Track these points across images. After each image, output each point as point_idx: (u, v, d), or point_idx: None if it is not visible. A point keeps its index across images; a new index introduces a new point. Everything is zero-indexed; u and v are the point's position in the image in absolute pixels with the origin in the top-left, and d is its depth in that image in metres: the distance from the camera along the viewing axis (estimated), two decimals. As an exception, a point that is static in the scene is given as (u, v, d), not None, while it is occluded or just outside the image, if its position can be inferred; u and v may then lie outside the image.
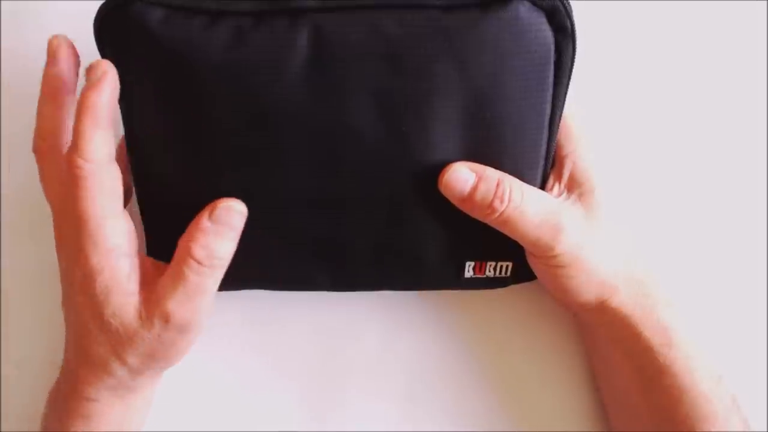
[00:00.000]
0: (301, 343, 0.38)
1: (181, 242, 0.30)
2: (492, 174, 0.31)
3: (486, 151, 0.31)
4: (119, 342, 0.30)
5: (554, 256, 0.31)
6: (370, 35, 0.28)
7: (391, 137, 0.30)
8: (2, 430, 0.35)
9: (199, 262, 0.29)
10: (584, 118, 0.34)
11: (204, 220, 0.29)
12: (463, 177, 0.30)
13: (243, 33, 0.28)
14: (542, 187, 0.33)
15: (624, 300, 0.32)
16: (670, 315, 0.32)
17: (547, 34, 0.29)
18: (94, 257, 0.29)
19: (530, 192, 0.31)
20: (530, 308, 0.38)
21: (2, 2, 0.40)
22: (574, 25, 0.29)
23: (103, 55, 0.30)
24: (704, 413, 0.30)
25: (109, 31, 0.29)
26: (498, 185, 0.30)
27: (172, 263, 0.30)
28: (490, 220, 0.31)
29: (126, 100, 0.30)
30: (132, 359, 0.30)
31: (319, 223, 0.32)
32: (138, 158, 0.32)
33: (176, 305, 0.29)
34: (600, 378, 0.36)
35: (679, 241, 0.39)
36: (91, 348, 0.30)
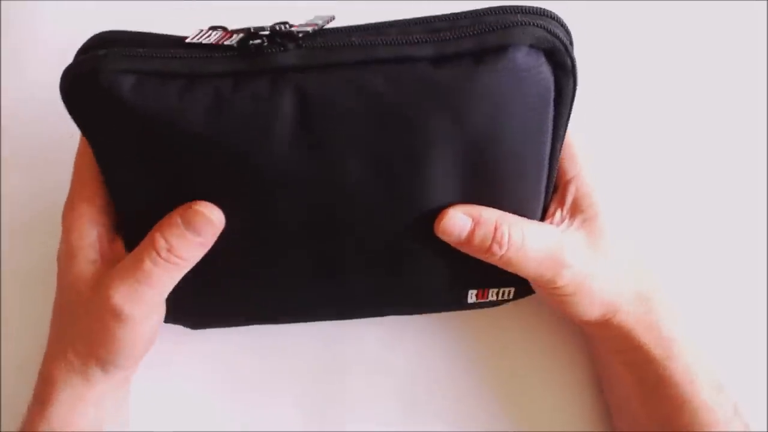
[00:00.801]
0: (301, 344, 0.38)
1: (151, 231, 0.30)
2: (489, 217, 0.30)
3: (485, 191, 0.30)
4: (71, 319, 0.31)
5: (557, 287, 0.31)
6: (357, 95, 0.27)
7: (388, 194, 0.29)
8: (2, 430, 0.35)
9: (158, 253, 0.29)
10: (587, 141, 0.33)
11: (176, 216, 0.29)
12: (459, 223, 0.30)
13: (222, 98, 0.27)
14: (543, 214, 0.33)
15: (627, 317, 0.32)
16: (674, 328, 0.32)
17: (546, 74, 0.28)
18: (69, 216, 0.31)
19: (530, 230, 0.30)
20: (532, 311, 0.38)
21: (2, 2, 0.40)
22: (574, 61, 0.28)
23: (74, 119, 0.29)
24: (705, 422, 0.30)
25: (78, 99, 0.28)
26: (496, 229, 0.30)
27: (136, 248, 0.30)
28: (491, 261, 0.31)
29: (102, 165, 0.30)
30: (78, 342, 0.31)
31: (319, 283, 0.33)
32: (118, 206, 0.32)
33: (120, 287, 0.29)
34: (603, 384, 0.37)
35: (679, 246, 0.39)
36: (53, 333, 0.32)
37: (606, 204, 0.32)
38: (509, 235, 0.29)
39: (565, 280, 0.30)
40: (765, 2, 0.43)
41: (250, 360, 0.38)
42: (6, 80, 0.40)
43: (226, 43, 0.28)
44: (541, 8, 0.29)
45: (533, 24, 0.27)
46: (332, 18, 0.29)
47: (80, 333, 0.31)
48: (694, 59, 0.42)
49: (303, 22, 0.29)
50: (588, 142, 0.33)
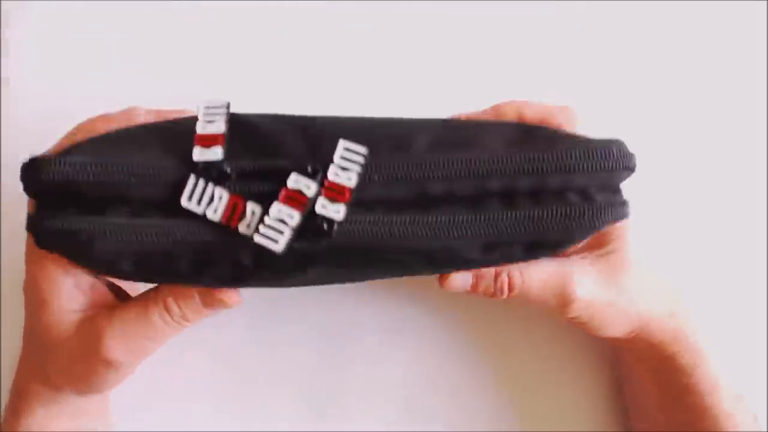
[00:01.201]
0: (301, 343, 0.39)
1: (162, 288, 0.29)
2: (488, 270, 0.30)
3: None
4: (45, 358, 0.30)
5: (569, 318, 0.31)
6: (392, 267, 0.26)
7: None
8: (2, 430, 0.36)
9: (171, 317, 0.29)
10: None
11: (197, 296, 0.28)
12: (461, 280, 0.30)
13: (242, 271, 0.25)
14: None
15: (654, 333, 0.32)
16: (700, 339, 0.32)
17: None
18: (34, 259, 0.29)
19: (530, 274, 0.30)
20: (534, 310, 0.39)
21: (2, 2, 0.40)
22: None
23: None
24: (725, 430, 0.31)
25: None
26: (496, 278, 0.30)
27: (142, 299, 0.29)
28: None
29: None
30: (54, 376, 0.30)
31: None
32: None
33: (121, 340, 0.29)
34: (623, 385, 0.37)
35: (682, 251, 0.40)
36: (25, 351, 0.31)
37: (631, 234, 0.31)
38: (510, 279, 0.30)
39: (575, 312, 0.30)
40: (765, 2, 0.40)
41: (249, 359, 0.38)
42: (6, 79, 0.39)
43: (239, 229, 0.24)
44: (609, 151, 0.26)
45: (598, 221, 0.26)
46: None
47: (57, 370, 0.30)
48: (694, 59, 0.41)
49: (335, 177, 0.25)
50: None
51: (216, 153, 0.25)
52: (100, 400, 0.34)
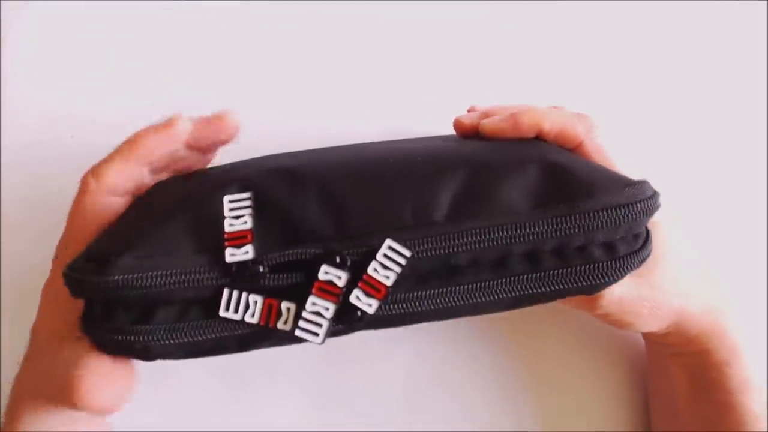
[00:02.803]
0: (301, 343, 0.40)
1: None
2: None
3: None
4: (46, 377, 0.29)
5: (599, 315, 0.31)
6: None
7: None
8: (2, 430, 0.36)
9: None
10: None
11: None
12: None
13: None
14: None
15: (690, 327, 0.31)
16: (738, 335, 0.32)
17: None
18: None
19: None
20: (536, 309, 0.40)
21: (2, 2, 0.40)
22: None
23: None
24: (749, 429, 0.31)
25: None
26: None
27: None
28: None
29: None
30: (52, 392, 0.29)
31: None
32: None
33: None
34: (649, 376, 0.37)
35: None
36: (24, 371, 0.31)
37: (668, 227, 0.31)
38: None
39: (603, 308, 0.30)
40: (765, 2, 0.40)
41: (250, 359, 0.38)
42: (6, 80, 0.40)
43: (279, 327, 0.25)
44: (633, 206, 0.26)
45: (621, 272, 0.26)
46: None
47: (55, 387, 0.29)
48: (694, 60, 0.41)
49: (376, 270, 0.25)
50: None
51: (247, 252, 0.25)
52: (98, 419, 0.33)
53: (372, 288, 0.25)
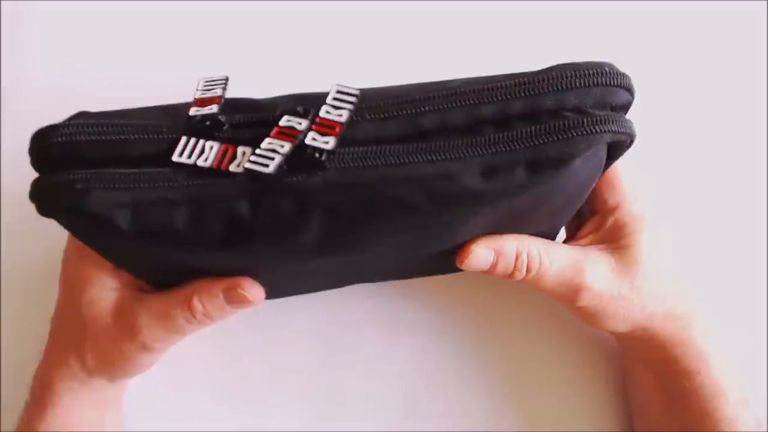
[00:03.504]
0: (301, 343, 0.38)
1: (188, 289, 0.30)
2: (510, 248, 0.30)
3: (509, 229, 0.30)
4: (80, 335, 0.31)
5: (578, 307, 0.31)
6: (396, 209, 0.24)
7: (415, 252, 0.29)
8: (2, 430, 0.35)
9: (193, 315, 0.30)
10: (633, 170, 0.32)
11: (219, 292, 0.29)
12: (482, 258, 0.29)
13: (239, 221, 0.24)
14: (575, 234, 0.33)
15: (657, 333, 0.32)
16: (705, 343, 0.32)
17: (602, 156, 0.26)
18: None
19: (549, 254, 0.30)
20: (536, 309, 0.38)
21: (2, 2, 0.40)
22: (634, 137, 0.26)
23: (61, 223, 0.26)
24: None
25: (62, 221, 0.25)
26: (517, 257, 0.30)
27: (169, 296, 0.30)
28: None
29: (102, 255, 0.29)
30: (90, 357, 0.31)
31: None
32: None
33: (151, 329, 0.30)
34: (627, 384, 0.37)
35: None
36: (54, 341, 0.32)
37: (651, 233, 0.31)
38: (528, 261, 0.30)
39: (584, 302, 0.31)
40: (765, 2, 0.41)
41: (250, 360, 0.38)
42: (6, 80, 0.40)
43: (230, 169, 0.24)
44: (601, 68, 0.25)
45: (598, 128, 0.24)
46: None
47: (93, 351, 0.31)
48: (694, 60, 0.41)
49: (327, 112, 0.25)
50: (634, 172, 0.32)
51: (211, 109, 0.25)
52: (119, 393, 0.35)
53: (326, 127, 0.24)
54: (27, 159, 0.28)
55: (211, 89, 0.27)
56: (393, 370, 0.38)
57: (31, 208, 0.37)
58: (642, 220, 0.31)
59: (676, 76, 0.41)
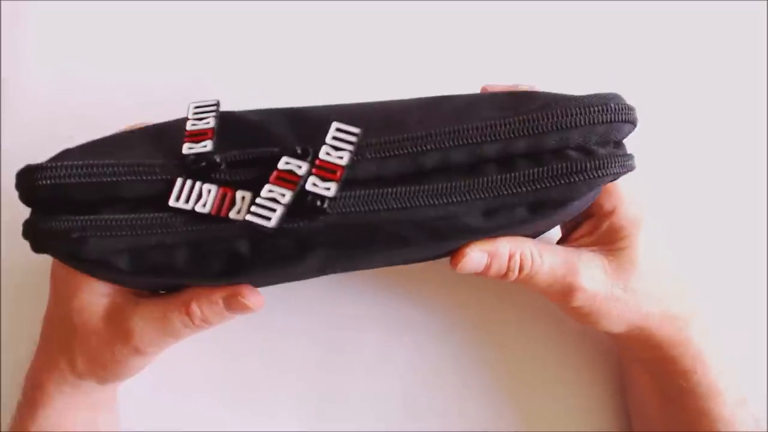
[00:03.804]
0: (301, 343, 0.38)
1: (186, 295, 0.29)
2: (503, 250, 0.29)
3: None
4: (73, 340, 0.30)
5: (571, 308, 0.31)
6: (398, 246, 0.24)
7: (410, 258, 0.29)
8: (2, 430, 0.35)
9: (191, 320, 0.29)
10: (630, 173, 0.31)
11: (219, 299, 0.29)
12: (476, 261, 0.29)
13: (239, 261, 0.24)
14: (569, 236, 0.33)
15: (654, 334, 0.32)
16: (702, 343, 0.32)
17: (600, 191, 0.26)
18: None
19: (542, 257, 0.30)
20: (535, 309, 0.39)
21: (2, 2, 0.40)
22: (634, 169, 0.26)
23: None
24: None
25: (59, 258, 0.25)
26: (510, 258, 0.30)
27: (166, 300, 0.30)
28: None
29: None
30: (80, 361, 0.30)
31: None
32: None
33: (145, 332, 0.30)
34: (624, 384, 0.38)
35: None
36: (45, 343, 0.32)
37: (648, 235, 0.31)
38: (521, 260, 0.30)
39: (578, 302, 0.31)
40: (765, 2, 0.40)
41: (249, 359, 0.38)
42: (6, 80, 0.40)
43: (230, 216, 0.23)
44: (606, 104, 0.25)
45: (601, 172, 0.24)
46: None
47: (83, 355, 0.30)
48: (694, 60, 0.41)
49: (329, 155, 0.24)
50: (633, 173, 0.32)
51: (205, 146, 0.24)
52: (112, 395, 0.35)
53: (327, 171, 0.23)
54: (27, 159, 0.28)
55: (203, 118, 0.25)
56: (392, 370, 0.38)
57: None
58: (638, 223, 0.31)
59: (676, 76, 0.40)
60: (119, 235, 0.23)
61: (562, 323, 0.38)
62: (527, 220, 0.24)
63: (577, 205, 0.25)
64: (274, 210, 0.23)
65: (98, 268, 0.24)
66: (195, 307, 0.29)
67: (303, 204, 0.23)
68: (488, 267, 0.29)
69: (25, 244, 0.37)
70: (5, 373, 0.37)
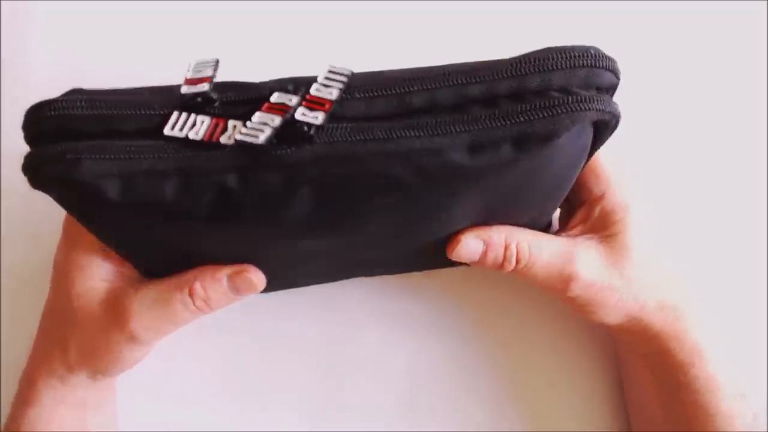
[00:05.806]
0: (301, 344, 0.38)
1: (190, 274, 0.30)
2: (499, 239, 0.30)
3: (498, 217, 0.30)
4: (70, 327, 0.30)
5: (569, 298, 0.31)
6: (384, 187, 0.25)
7: (405, 240, 0.30)
8: (10, 420, 0.35)
9: (193, 301, 0.29)
10: (618, 158, 0.32)
11: (223, 277, 0.29)
12: (472, 249, 0.30)
13: (228, 194, 0.25)
14: (564, 226, 0.33)
15: (651, 325, 0.32)
16: (700, 336, 0.32)
17: (588, 138, 0.26)
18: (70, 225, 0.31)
19: (538, 245, 0.31)
20: (534, 306, 0.38)
21: (2, 2, 0.41)
22: (619, 119, 0.26)
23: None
24: (721, 429, 0.31)
25: (55, 193, 0.25)
26: (506, 248, 0.30)
27: (168, 281, 0.30)
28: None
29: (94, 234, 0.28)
30: (73, 348, 0.30)
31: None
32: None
33: (143, 317, 0.29)
34: (623, 382, 0.37)
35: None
36: (41, 336, 0.32)
37: (640, 220, 0.31)
38: (518, 251, 0.30)
39: (575, 292, 0.31)
40: (765, 2, 0.41)
41: (249, 360, 0.38)
42: (6, 79, 0.40)
43: (221, 140, 0.24)
44: (587, 51, 0.26)
45: (583, 106, 0.24)
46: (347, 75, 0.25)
47: (78, 341, 0.30)
48: (693, 59, 0.41)
49: (317, 89, 0.25)
50: (621, 159, 0.32)
51: (203, 87, 0.25)
52: (105, 395, 0.34)
53: (315, 103, 0.24)
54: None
55: (202, 70, 0.26)
56: (393, 370, 0.38)
57: (32, 208, 0.38)
58: (628, 206, 0.31)
59: (675, 76, 0.41)
60: (112, 158, 0.24)
61: (561, 320, 0.38)
62: (513, 159, 0.24)
63: (563, 144, 0.25)
64: (262, 131, 0.23)
65: (90, 198, 0.24)
66: (198, 286, 0.29)
67: (291, 131, 0.24)
68: (484, 255, 0.30)
69: (26, 244, 0.39)
70: (5, 373, 0.38)
